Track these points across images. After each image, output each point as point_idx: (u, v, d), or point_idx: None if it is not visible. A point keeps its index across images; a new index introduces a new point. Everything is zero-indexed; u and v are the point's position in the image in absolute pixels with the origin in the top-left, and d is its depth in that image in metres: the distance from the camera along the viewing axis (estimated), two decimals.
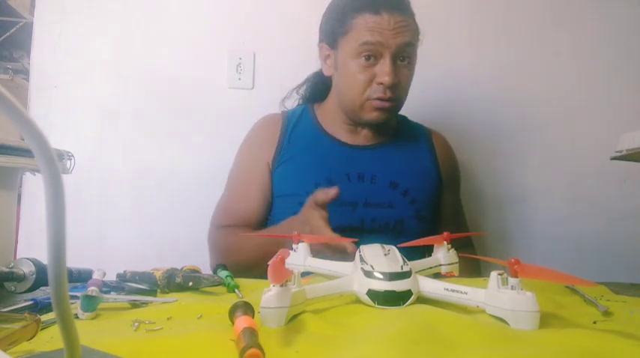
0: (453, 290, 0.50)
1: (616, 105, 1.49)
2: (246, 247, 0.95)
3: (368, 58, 0.95)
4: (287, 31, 1.41)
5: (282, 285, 0.45)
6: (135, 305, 0.55)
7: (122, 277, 0.64)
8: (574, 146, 1.48)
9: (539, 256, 1.48)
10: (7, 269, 0.61)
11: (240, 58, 1.43)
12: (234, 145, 1.15)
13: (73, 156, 0.74)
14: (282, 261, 0.47)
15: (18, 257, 0.64)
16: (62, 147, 0.74)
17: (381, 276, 0.51)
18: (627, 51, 1.50)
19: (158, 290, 0.61)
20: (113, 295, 0.56)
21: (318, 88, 1.16)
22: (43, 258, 0.33)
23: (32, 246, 1.25)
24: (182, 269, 0.66)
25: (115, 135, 1.40)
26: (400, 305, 0.50)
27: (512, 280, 0.45)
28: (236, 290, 0.61)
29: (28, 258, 0.62)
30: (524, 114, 1.49)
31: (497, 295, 0.46)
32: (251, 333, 0.37)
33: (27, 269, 0.61)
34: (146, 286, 0.60)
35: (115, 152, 1.39)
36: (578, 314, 0.51)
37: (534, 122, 1.49)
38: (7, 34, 1.92)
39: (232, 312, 0.43)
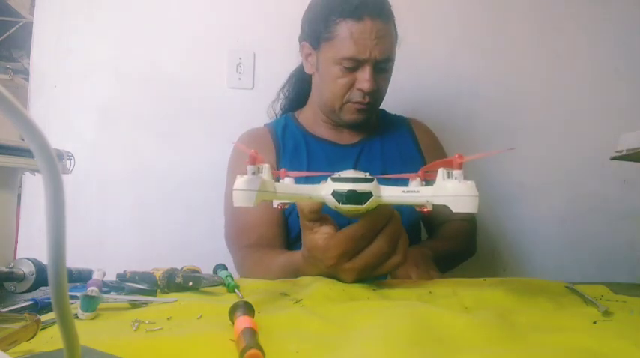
0: (408, 192, 0.57)
1: (616, 105, 1.49)
2: (273, 268, 0.84)
3: (349, 66, 0.97)
4: (287, 31, 1.40)
5: (253, 173, 0.51)
6: (135, 305, 0.55)
7: (122, 277, 0.64)
8: (574, 146, 1.48)
9: (538, 256, 1.48)
10: (7, 269, 0.61)
11: (240, 58, 1.43)
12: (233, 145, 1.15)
13: (73, 156, 0.74)
14: (257, 153, 0.52)
15: (18, 257, 0.64)
16: (62, 147, 0.74)
17: (345, 180, 0.58)
18: (627, 51, 1.50)
19: (158, 290, 0.60)
20: (113, 295, 0.56)
21: (300, 87, 1.16)
22: (43, 258, 0.33)
23: (32, 246, 1.25)
24: (182, 269, 0.66)
25: (115, 135, 1.40)
26: (361, 204, 0.56)
27: (455, 172, 0.51)
28: (236, 290, 0.61)
29: (28, 258, 0.62)
30: (523, 114, 1.49)
31: (442, 186, 0.52)
32: (251, 333, 0.37)
33: (27, 269, 0.61)
34: (146, 286, 0.60)
35: (114, 152, 1.39)
36: (578, 314, 0.51)
37: (534, 122, 1.49)
38: (7, 34, 1.92)
39: (232, 312, 0.43)
